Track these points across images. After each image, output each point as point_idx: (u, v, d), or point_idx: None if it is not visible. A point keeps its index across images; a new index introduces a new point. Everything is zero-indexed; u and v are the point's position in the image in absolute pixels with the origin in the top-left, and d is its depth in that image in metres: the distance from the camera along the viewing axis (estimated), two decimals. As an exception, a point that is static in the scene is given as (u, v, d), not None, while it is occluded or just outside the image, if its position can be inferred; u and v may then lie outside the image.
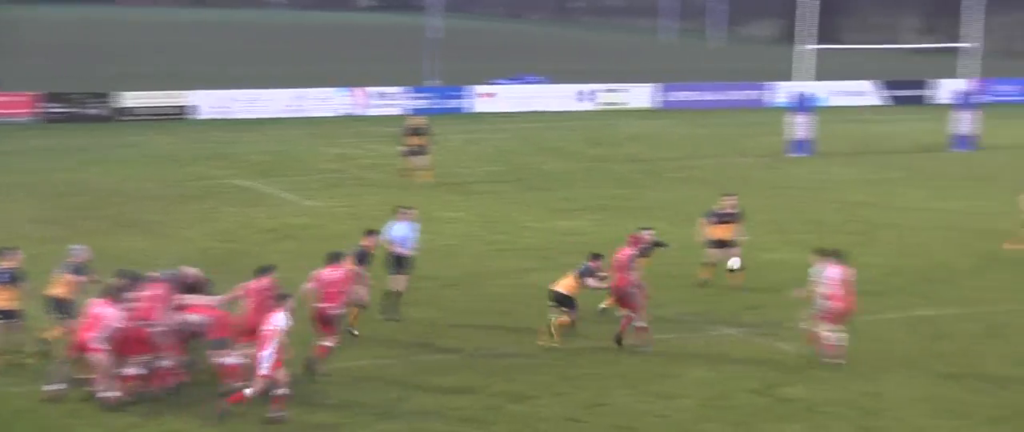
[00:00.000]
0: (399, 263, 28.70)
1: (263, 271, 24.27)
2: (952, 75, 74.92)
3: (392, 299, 28.69)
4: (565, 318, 27.25)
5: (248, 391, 22.37)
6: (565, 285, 27.39)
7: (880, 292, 32.24)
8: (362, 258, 27.42)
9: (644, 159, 55.92)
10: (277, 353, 22.37)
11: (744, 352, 27.04)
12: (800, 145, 56.70)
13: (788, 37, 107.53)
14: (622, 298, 27.36)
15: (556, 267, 34.36)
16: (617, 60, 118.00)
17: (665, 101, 78.42)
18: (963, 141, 59.14)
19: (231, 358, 23.50)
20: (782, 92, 75.66)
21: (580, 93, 77.36)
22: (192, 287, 25.03)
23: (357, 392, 24.06)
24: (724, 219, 31.62)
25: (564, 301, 27.27)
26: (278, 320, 22.46)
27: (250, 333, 23.40)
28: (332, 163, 53.17)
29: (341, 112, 71.55)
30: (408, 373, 25.32)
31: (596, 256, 27.72)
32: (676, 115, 73.76)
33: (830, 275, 26.19)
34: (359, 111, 71.94)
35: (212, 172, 50.18)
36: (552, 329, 27.24)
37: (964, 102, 60.20)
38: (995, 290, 32.80)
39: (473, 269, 34.09)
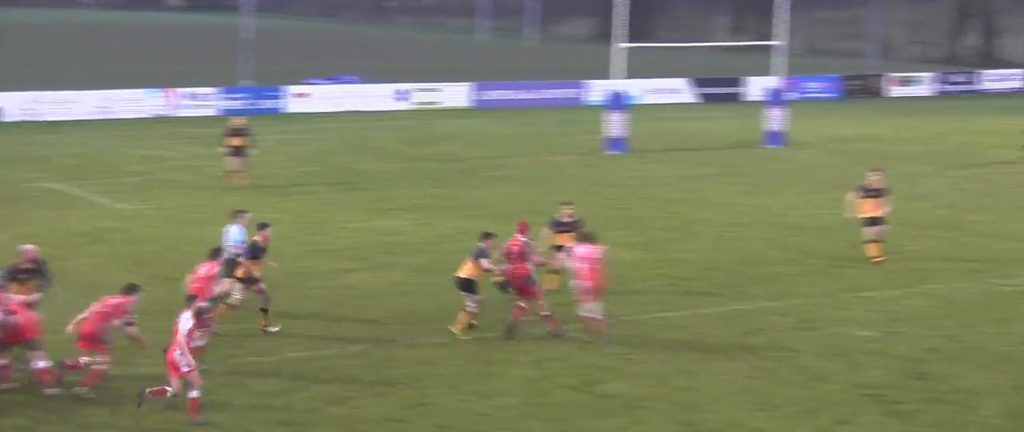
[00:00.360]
0: (233, 265, 28.43)
1: (129, 290, 24.04)
2: (764, 73, 76.23)
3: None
4: (468, 312, 27.49)
5: (169, 389, 22.36)
6: (465, 270, 27.54)
7: (695, 288, 32.72)
8: (255, 253, 27.97)
9: (461, 158, 55.98)
10: (189, 354, 22.39)
11: (563, 349, 27.12)
12: (616, 143, 57.24)
13: (603, 35, 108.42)
14: (520, 287, 27.62)
15: (374, 267, 34.39)
16: (433, 59, 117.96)
17: (481, 100, 78.60)
18: (774, 137, 60.21)
19: (41, 362, 23.11)
20: (598, 90, 76.29)
21: (397, 92, 77.14)
22: (32, 266, 25.33)
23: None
24: (563, 227, 31.80)
25: (467, 286, 27.42)
26: (184, 321, 22.57)
27: (84, 340, 23.34)
28: (144, 165, 52.23)
29: (153, 113, 70.32)
30: (225, 376, 24.92)
31: (487, 235, 27.89)
32: (492, 114, 73.96)
33: (579, 253, 27.32)
34: (171, 112, 70.81)
35: (21, 175, 48.97)
36: (466, 322, 27.61)
37: (774, 99, 61.27)
38: (806, 284, 33.41)
39: (291, 270, 33.69)
